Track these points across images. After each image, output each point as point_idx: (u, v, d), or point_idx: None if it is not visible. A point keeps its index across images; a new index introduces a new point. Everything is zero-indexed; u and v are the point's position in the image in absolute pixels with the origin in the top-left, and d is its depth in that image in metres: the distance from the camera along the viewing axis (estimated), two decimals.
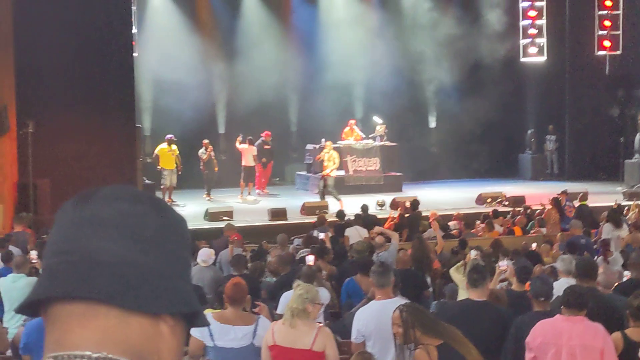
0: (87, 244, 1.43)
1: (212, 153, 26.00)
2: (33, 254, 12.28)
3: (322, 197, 24.28)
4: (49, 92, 20.68)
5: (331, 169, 24.57)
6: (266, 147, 26.74)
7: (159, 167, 24.94)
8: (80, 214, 1.46)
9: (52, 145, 20.56)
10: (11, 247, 13.81)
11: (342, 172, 26.89)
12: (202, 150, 25.85)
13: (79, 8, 20.79)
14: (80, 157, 20.93)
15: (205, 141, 26.02)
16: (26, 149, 19.65)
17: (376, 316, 7.81)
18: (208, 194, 25.96)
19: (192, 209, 24.26)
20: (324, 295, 10.11)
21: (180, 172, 25.22)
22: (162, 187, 24.90)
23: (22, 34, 20.46)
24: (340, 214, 18.98)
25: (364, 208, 19.85)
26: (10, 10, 20.26)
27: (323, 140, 26.91)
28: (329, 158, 24.61)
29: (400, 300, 7.92)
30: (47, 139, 20.29)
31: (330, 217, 19.59)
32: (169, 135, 25.10)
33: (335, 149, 26.05)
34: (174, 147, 24.99)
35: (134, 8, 24.07)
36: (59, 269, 1.43)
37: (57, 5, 20.64)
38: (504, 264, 10.49)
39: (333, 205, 23.06)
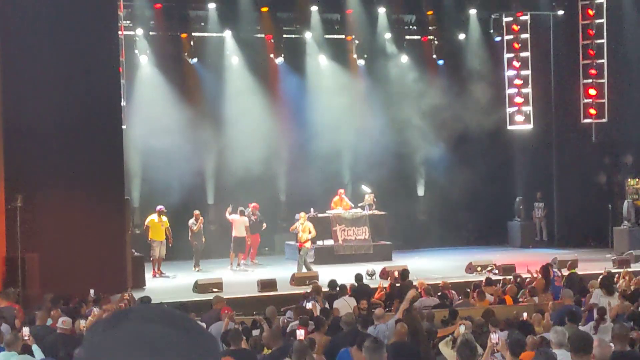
0: None
1: (202, 225, 26.03)
2: (25, 330, 12.11)
3: (300, 268, 24.23)
4: (38, 166, 20.68)
5: (306, 239, 24.54)
6: (253, 217, 26.78)
7: (149, 239, 24.92)
8: (110, 337, 1.45)
9: (41, 219, 20.49)
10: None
11: (331, 242, 26.92)
12: (192, 221, 25.85)
13: (68, 82, 20.91)
14: (69, 230, 20.85)
15: (197, 212, 26.07)
16: (14, 223, 19.57)
17: None
18: (197, 265, 25.89)
19: (181, 280, 24.18)
20: None
21: (171, 244, 25.19)
22: (151, 258, 24.84)
23: (11, 108, 20.53)
24: (332, 283, 18.88)
25: (358, 278, 19.79)
26: None
27: (312, 209, 26.97)
28: (303, 229, 24.63)
29: None
30: (36, 212, 20.24)
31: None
32: (159, 207, 25.11)
33: (322, 218, 26.28)
34: (164, 218, 24.97)
35: (123, 81, 24.21)
36: None
37: (46, 80, 20.75)
38: (495, 337, 10.39)
39: (324, 275, 22.94)
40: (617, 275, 20.67)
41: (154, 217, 24.98)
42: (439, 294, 19.04)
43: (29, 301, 18.69)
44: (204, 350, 1.49)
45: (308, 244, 24.63)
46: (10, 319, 14.79)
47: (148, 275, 24.18)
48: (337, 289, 18.40)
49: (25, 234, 19.64)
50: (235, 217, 26.11)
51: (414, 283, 20.10)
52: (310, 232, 24.76)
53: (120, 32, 23.87)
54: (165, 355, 1.43)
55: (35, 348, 11.44)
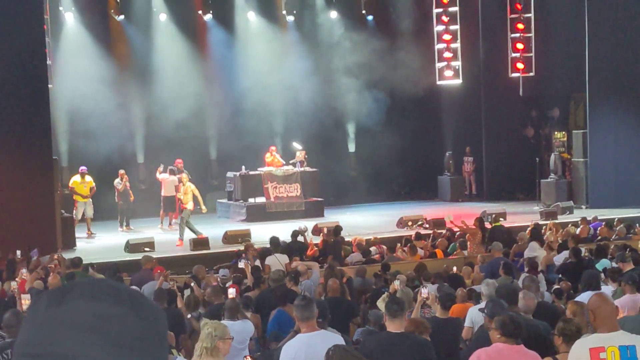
0: (63, 350, 1.37)
1: (128, 183, 25.79)
2: None
3: (182, 232, 23.29)
4: None
5: (187, 201, 23.79)
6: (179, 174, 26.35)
7: (74, 198, 24.57)
8: (55, 315, 1.39)
9: None
10: None
11: (263, 199, 26.90)
12: (117, 180, 25.63)
13: None
14: None
15: (121, 171, 25.83)
16: None
17: (304, 350, 7.78)
18: (126, 225, 25.69)
19: (110, 240, 24.00)
20: (248, 327, 10.06)
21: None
22: (74, 219, 24.48)
23: None
24: (274, 240, 18.61)
25: (294, 234, 19.79)
26: None
27: (243, 167, 26.90)
28: (185, 191, 23.93)
29: (326, 333, 7.94)
30: None
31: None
32: (81, 168, 24.83)
33: (253, 176, 26.28)
34: (87, 178, 24.68)
35: (48, 40, 23.76)
36: None
37: None
38: (425, 292, 10.50)
39: (256, 232, 22.95)
40: (544, 227, 21.04)
41: (76, 178, 24.69)
42: (364, 249, 19.16)
43: None
44: (152, 328, 1.45)
45: (190, 206, 23.48)
46: None
47: (79, 235, 23.96)
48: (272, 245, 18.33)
49: None
50: (165, 177, 25.84)
51: (347, 239, 20.28)
52: (190, 194, 23.93)
53: None
54: (113, 336, 1.39)
55: None
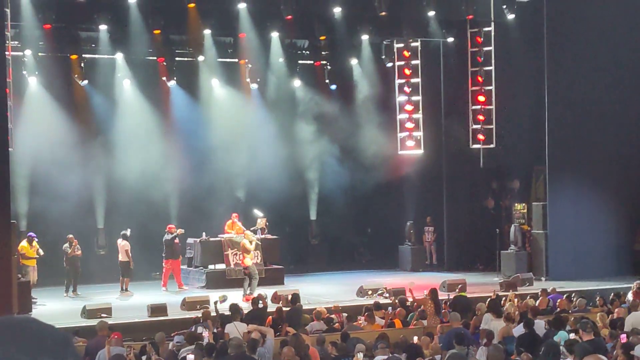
0: None
1: (77, 247, 25.59)
2: None
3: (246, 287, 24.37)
4: None
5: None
6: (176, 241, 26.41)
7: (21, 263, 24.30)
8: None
9: None
10: None
11: (223, 266, 26.76)
12: (66, 245, 25.48)
13: None
14: None
15: (70, 236, 25.67)
16: None
17: None
18: (74, 290, 25.44)
19: (69, 305, 23.67)
20: None
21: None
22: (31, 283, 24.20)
23: None
24: (234, 307, 18.54)
25: (255, 302, 19.74)
26: None
27: (204, 233, 26.81)
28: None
29: None
30: None
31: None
32: (30, 234, 24.72)
33: (214, 242, 26.34)
34: (34, 243, 24.52)
35: (10, 103, 23.64)
36: None
37: None
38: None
39: (215, 299, 22.72)
40: (504, 299, 21.05)
41: (24, 243, 24.48)
42: (325, 318, 19.07)
43: None
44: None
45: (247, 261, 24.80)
46: None
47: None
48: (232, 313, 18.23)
49: None
50: (119, 242, 25.79)
51: (307, 307, 20.17)
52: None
53: (7, 53, 23.31)
54: None
55: None
